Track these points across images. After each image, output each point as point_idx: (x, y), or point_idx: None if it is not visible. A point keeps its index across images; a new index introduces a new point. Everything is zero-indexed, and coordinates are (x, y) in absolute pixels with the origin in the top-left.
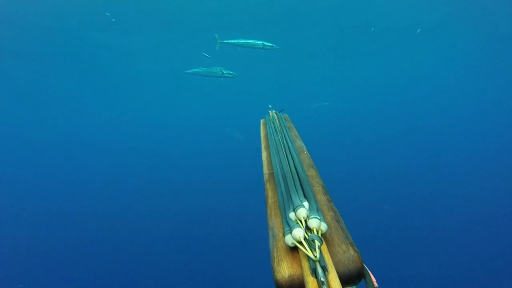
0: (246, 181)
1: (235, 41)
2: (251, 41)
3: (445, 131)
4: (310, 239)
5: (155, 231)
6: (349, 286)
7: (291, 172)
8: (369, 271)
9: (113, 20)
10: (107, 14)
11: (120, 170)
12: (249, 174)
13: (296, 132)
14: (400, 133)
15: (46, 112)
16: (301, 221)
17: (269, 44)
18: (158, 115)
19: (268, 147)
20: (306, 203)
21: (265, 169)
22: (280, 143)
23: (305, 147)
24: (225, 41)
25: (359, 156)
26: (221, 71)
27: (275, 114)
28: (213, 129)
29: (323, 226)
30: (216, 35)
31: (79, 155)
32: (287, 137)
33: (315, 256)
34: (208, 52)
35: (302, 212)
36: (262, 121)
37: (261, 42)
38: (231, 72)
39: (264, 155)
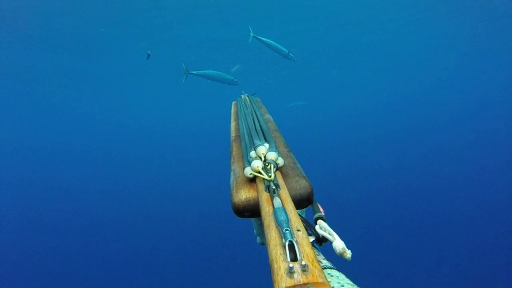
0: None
1: (266, 39)
2: (278, 45)
3: (444, 127)
4: (266, 165)
5: (157, 232)
6: (299, 210)
7: (255, 127)
8: (317, 203)
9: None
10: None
11: (119, 170)
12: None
13: (265, 109)
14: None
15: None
16: (260, 157)
17: (292, 55)
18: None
19: (237, 118)
20: (266, 144)
21: (232, 134)
22: (249, 113)
23: (272, 119)
24: (258, 37)
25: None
26: (231, 78)
27: (246, 97)
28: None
29: (280, 160)
30: (250, 27)
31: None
32: (256, 110)
33: (270, 176)
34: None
35: (262, 149)
36: (233, 102)
37: (287, 50)
38: (236, 80)
39: (232, 124)
